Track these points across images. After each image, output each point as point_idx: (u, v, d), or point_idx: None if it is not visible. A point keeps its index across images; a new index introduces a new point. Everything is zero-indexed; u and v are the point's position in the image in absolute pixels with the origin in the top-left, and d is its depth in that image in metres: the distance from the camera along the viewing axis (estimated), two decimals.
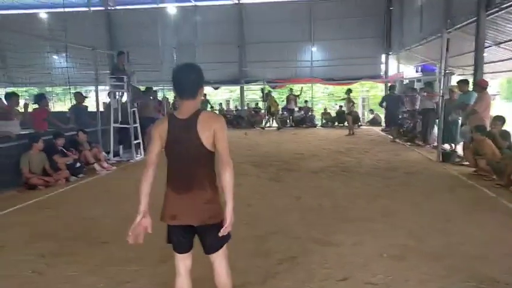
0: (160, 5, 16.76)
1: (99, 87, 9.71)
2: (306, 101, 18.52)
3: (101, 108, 9.60)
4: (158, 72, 14.27)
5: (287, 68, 18.88)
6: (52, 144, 7.00)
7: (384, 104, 12.20)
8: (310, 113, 17.88)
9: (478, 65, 8.24)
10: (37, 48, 13.26)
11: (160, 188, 2.31)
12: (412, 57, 15.58)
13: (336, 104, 18.15)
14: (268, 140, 12.73)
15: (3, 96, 8.50)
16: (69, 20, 13.68)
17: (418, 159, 8.61)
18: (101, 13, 18.75)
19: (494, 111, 8.14)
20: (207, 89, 19.67)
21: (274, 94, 18.67)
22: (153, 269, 3.33)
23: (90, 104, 10.28)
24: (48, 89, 17.59)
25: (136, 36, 18.11)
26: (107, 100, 9.94)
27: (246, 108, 19.23)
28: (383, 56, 18.67)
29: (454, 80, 12.23)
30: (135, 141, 9.02)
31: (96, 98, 9.34)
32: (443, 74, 8.41)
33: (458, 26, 9.43)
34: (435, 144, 9.27)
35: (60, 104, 20.57)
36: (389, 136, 12.30)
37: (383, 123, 14.09)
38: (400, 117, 12.45)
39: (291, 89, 18.10)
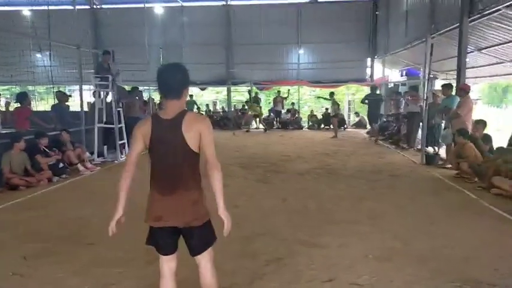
0: (147, 5, 16.62)
1: (84, 87, 9.56)
2: (293, 103, 18.61)
3: (85, 108, 9.45)
4: (145, 72, 14.12)
5: (274, 70, 18.96)
6: (34, 144, 6.86)
7: (366, 101, 12.51)
8: (297, 115, 17.97)
9: (460, 70, 8.43)
10: (20, 46, 12.97)
11: (141, 188, 2.29)
12: (397, 61, 15.84)
13: (323, 107, 18.29)
14: (256, 141, 12.74)
15: None
16: (54, 18, 13.44)
17: (403, 161, 8.74)
18: (86, 12, 18.48)
19: (475, 116, 8.33)
20: (194, 90, 19.59)
21: (261, 96, 18.68)
22: (139, 270, 3.29)
23: (75, 104, 10.11)
24: (30, 87, 17.23)
25: (123, 35, 17.94)
26: (92, 100, 9.79)
27: (232, 109, 19.22)
28: (369, 60, 18.94)
29: (438, 84, 12.50)
30: (120, 142, 8.91)
31: (81, 98, 9.20)
32: (427, 78, 8.57)
33: (442, 31, 9.64)
34: (419, 147, 9.43)
35: (43, 103, 20.17)
36: (368, 134, 12.53)
37: (368, 126, 14.27)
38: (385, 119, 12.65)
39: (278, 91, 18.14)
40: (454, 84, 8.63)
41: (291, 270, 3.31)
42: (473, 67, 11.41)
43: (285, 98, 17.67)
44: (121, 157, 8.87)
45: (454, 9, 8.73)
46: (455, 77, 8.97)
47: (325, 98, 16.13)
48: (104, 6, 19.36)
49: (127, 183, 2.22)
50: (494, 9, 7.23)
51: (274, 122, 17.65)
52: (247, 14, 18.60)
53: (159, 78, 2.16)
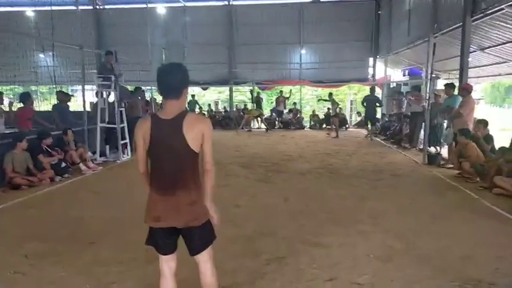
0: (150, 5, 16.65)
1: (86, 87, 9.59)
2: (294, 103, 18.60)
3: (88, 108, 9.47)
4: (147, 72, 14.17)
5: (276, 70, 18.96)
6: (37, 144, 6.88)
7: (365, 103, 13.07)
8: (298, 115, 17.96)
9: (463, 70, 8.40)
10: (23, 47, 13.02)
11: (141, 188, 2.30)
12: (399, 61, 15.80)
13: (324, 107, 18.28)
14: (257, 141, 12.74)
15: None
16: (57, 18, 13.46)
17: (404, 161, 8.72)
18: (89, 12, 18.52)
19: (477, 115, 8.31)
20: (196, 90, 19.60)
21: (263, 96, 18.67)
22: (140, 269, 3.30)
23: (77, 104, 10.14)
24: (33, 87, 17.27)
25: (125, 35, 17.98)
26: (94, 100, 9.81)
27: (234, 109, 19.23)
28: (371, 60, 18.89)
29: (440, 83, 12.47)
30: (122, 142, 8.93)
31: (83, 97, 9.22)
32: (429, 77, 8.55)
33: (444, 31, 9.62)
34: (421, 146, 9.41)
35: (46, 103, 20.21)
36: (364, 132, 12.92)
37: (369, 126, 14.30)
38: (387, 119, 12.69)
39: (280, 91, 18.13)
40: (457, 84, 8.61)
41: (292, 270, 3.31)
42: (475, 67, 11.37)
43: (287, 98, 17.67)
44: (123, 157, 8.89)
45: (457, 8, 8.70)
46: (457, 76, 8.95)
47: (324, 100, 16.17)
48: (106, 6, 19.39)
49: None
50: (497, 9, 7.19)
51: (276, 122, 17.65)
52: (250, 14, 18.60)
53: (158, 78, 2.16)
